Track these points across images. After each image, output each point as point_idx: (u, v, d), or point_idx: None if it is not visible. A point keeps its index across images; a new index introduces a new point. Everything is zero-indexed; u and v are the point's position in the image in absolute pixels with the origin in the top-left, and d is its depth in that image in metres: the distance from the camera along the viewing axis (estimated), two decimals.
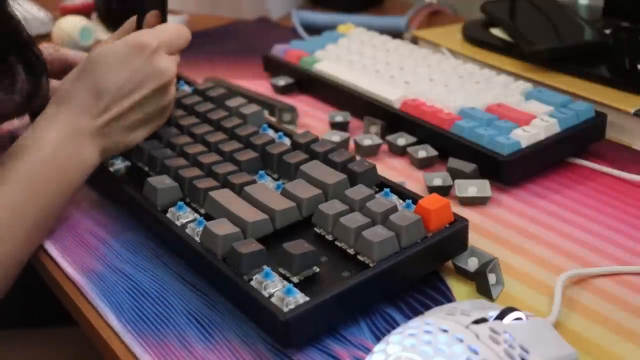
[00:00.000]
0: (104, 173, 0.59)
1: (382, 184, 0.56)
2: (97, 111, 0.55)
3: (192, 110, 0.66)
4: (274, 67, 0.85)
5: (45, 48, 0.61)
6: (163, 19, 0.63)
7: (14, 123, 0.76)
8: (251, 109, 0.66)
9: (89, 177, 0.56)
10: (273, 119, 0.72)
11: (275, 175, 0.58)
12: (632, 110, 0.67)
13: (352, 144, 0.68)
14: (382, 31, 0.90)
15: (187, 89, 0.71)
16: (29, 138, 0.54)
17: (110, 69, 0.55)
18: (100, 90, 0.55)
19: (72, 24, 0.96)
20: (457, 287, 0.50)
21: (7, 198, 0.51)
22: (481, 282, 0.49)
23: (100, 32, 1.00)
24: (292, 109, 0.74)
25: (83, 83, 0.55)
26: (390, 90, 0.71)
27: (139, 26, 0.62)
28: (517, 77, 0.75)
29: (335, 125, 0.72)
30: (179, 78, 0.65)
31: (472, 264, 0.50)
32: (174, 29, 0.60)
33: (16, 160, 0.52)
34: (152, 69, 0.56)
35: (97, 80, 0.55)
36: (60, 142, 0.53)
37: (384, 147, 0.68)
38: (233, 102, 0.67)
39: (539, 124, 0.62)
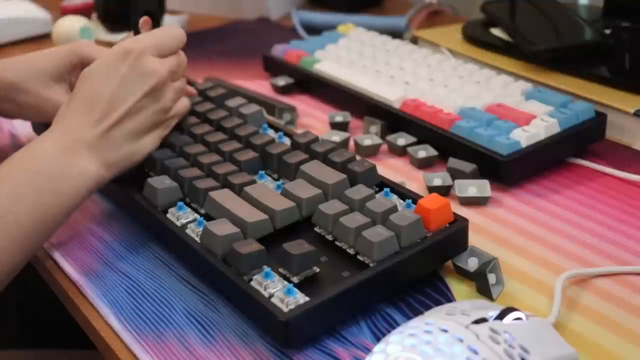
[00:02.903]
0: None
1: (382, 184, 0.56)
2: (92, 122, 0.54)
3: (192, 110, 0.66)
4: (273, 67, 0.85)
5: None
6: (158, 20, 0.63)
7: (14, 123, 0.76)
8: (251, 109, 0.65)
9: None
10: (273, 119, 0.72)
11: (275, 175, 0.58)
12: (632, 110, 0.67)
13: (352, 144, 0.68)
14: (382, 31, 0.90)
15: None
16: (21, 151, 0.52)
17: (100, 79, 0.55)
18: (93, 101, 0.55)
19: (71, 24, 0.96)
20: (457, 287, 0.50)
21: None
22: (481, 282, 0.49)
23: (100, 32, 1.00)
24: (292, 109, 0.74)
25: (76, 99, 0.55)
26: (390, 90, 0.71)
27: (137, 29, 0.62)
28: (517, 77, 0.75)
29: (335, 125, 0.72)
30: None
31: (472, 264, 0.50)
32: (162, 31, 0.60)
33: (4, 169, 0.51)
34: (138, 73, 0.56)
35: (88, 92, 0.55)
36: (54, 153, 0.52)
37: (384, 147, 0.68)
38: (233, 102, 0.66)
39: (539, 124, 0.62)
